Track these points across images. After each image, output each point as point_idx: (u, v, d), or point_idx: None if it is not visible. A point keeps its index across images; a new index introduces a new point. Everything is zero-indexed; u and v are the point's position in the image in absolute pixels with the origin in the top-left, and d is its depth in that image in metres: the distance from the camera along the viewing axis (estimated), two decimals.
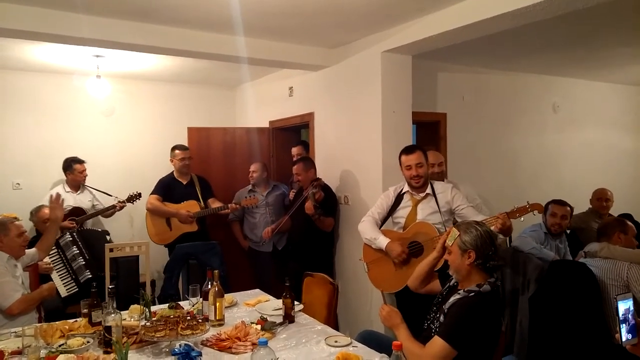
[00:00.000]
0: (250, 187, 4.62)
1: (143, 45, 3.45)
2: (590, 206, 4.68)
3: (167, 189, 4.38)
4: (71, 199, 4.49)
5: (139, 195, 4.44)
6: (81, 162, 4.58)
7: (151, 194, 4.37)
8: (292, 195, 4.32)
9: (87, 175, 4.62)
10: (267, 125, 5.29)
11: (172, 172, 4.48)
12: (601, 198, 4.57)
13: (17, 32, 3.11)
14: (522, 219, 2.61)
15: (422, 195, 2.95)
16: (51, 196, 3.36)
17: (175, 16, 3.24)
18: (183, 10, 3.11)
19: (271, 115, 5.23)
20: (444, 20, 3.14)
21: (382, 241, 2.90)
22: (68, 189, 4.56)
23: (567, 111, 5.76)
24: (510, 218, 2.56)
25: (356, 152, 3.96)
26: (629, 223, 3.24)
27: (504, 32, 3.23)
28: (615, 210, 4.70)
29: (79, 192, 4.60)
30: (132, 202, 4.50)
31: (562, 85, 5.70)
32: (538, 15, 2.84)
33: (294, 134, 5.35)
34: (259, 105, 5.52)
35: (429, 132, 4.74)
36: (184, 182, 4.43)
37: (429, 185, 2.96)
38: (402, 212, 2.99)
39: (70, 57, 4.30)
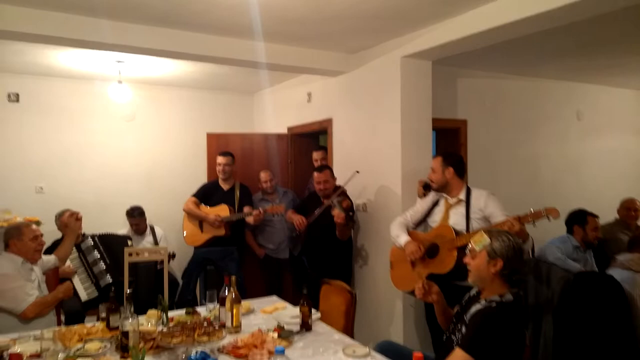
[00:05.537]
0: (260, 195, 4.61)
1: (164, 50, 3.48)
2: (617, 216, 4.54)
3: (207, 192, 4.42)
4: (135, 243, 4.56)
5: (174, 255, 4.46)
6: (133, 215, 4.63)
7: (192, 195, 4.42)
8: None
9: (142, 225, 4.67)
10: (285, 131, 5.28)
11: (218, 178, 4.51)
12: (630, 208, 4.44)
13: (40, 37, 3.15)
14: (535, 224, 2.49)
15: (454, 200, 2.96)
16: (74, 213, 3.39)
17: (196, 22, 3.26)
18: (204, 15, 3.13)
19: (289, 121, 5.23)
20: (464, 25, 3.10)
21: (403, 239, 3.02)
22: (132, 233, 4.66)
23: (591, 119, 5.61)
24: (523, 222, 2.49)
25: (375, 159, 3.92)
26: None
27: (525, 37, 3.17)
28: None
29: (143, 234, 4.66)
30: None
31: (586, 92, 5.57)
32: (560, 20, 2.79)
33: (312, 140, 5.33)
34: (278, 111, 5.53)
35: (449, 139, 4.67)
36: (225, 188, 4.43)
37: (464, 191, 2.94)
38: (437, 217, 3.04)
39: (92, 63, 4.37)
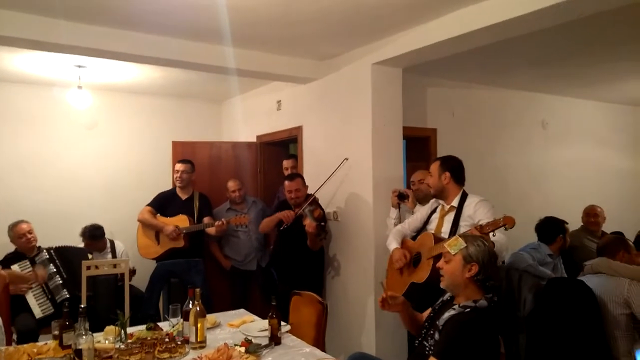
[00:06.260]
0: (228, 205, 4.47)
1: (126, 53, 3.34)
2: (582, 223, 4.63)
3: (164, 202, 4.23)
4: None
5: (134, 271, 4.22)
6: (84, 235, 4.30)
7: (147, 205, 4.22)
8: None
9: (95, 246, 4.31)
10: (254, 139, 5.18)
11: (175, 187, 4.34)
12: (589, 214, 4.54)
13: None
14: (495, 234, 2.41)
15: (447, 207, 2.92)
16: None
17: (160, 24, 3.14)
18: (168, 18, 3.02)
19: (259, 130, 5.13)
20: (435, 31, 3.10)
21: (392, 247, 3.03)
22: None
23: (556, 128, 5.76)
24: (483, 232, 2.42)
25: (346, 167, 3.86)
26: (629, 241, 3.19)
27: (493, 47, 3.21)
28: (604, 229, 4.64)
29: (102, 252, 4.37)
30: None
31: (551, 103, 5.71)
32: (528, 27, 2.82)
33: (282, 149, 5.25)
34: (247, 120, 5.42)
35: (419, 148, 4.66)
36: (183, 198, 4.27)
37: (458, 198, 2.89)
38: (432, 225, 3.01)
39: (51, 67, 4.17)
